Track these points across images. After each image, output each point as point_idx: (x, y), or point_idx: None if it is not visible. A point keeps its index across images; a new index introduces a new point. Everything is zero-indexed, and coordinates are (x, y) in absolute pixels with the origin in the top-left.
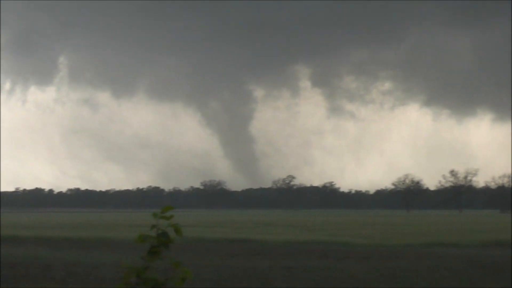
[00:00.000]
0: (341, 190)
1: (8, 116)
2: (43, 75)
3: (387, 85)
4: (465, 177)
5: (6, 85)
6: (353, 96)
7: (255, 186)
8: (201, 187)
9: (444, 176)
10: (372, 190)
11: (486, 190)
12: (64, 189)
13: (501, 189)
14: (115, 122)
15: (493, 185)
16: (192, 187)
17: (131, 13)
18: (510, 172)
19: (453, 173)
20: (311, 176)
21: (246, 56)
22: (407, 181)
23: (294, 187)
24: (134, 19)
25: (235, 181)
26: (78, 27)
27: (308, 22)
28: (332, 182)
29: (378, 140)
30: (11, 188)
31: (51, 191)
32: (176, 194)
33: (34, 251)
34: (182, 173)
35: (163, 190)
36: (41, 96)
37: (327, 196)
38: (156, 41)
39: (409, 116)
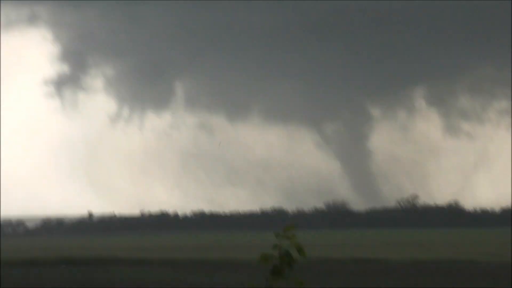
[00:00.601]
0: (466, 208)
1: (126, 142)
2: (159, 100)
3: (504, 104)
4: None
5: (124, 112)
6: (469, 116)
7: (379, 205)
8: (324, 207)
9: None
10: (497, 208)
11: None
12: (188, 212)
13: None
14: (232, 145)
15: None
16: (315, 207)
17: (245, 37)
18: None
19: None
20: (433, 194)
21: (361, 76)
22: None
23: (419, 206)
24: (249, 43)
25: (358, 201)
26: (195, 53)
27: (426, 42)
28: (457, 200)
29: (496, 159)
30: (136, 212)
31: (176, 214)
32: (299, 215)
33: (159, 274)
34: (305, 194)
35: (287, 211)
36: (157, 122)
37: (452, 215)
38: (272, 66)
39: None
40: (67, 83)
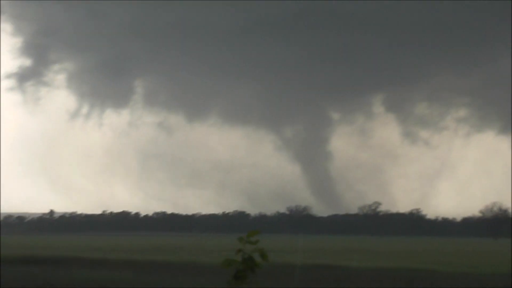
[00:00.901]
0: (428, 217)
1: (85, 138)
2: (119, 98)
3: (462, 112)
4: None
5: (84, 109)
6: (427, 123)
7: (341, 212)
8: (287, 212)
9: None
10: (458, 218)
11: None
12: (150, 213)
13: None
14: (192, 146)
15: None
16: (278, 212)
17: (206, 37)
18: None
19: None
20: (394, 202)
21: (321, 80)
22: (494, 208)
23: (380, 213)
24: (210, 43)
25: (321, 207)
26: (156, 52)
27: (386, 49)
28: (419, 208)
29: (455, 168)
30: (98, 211)
31: (137, 214)
32: (261, 219)
33: (120, 274)
34: (266, 197)
35: (249, 214)
36: (117, 120)
37: (414, 223)
38: (232, 66)
39: (484, 143)
40: (29, 77)
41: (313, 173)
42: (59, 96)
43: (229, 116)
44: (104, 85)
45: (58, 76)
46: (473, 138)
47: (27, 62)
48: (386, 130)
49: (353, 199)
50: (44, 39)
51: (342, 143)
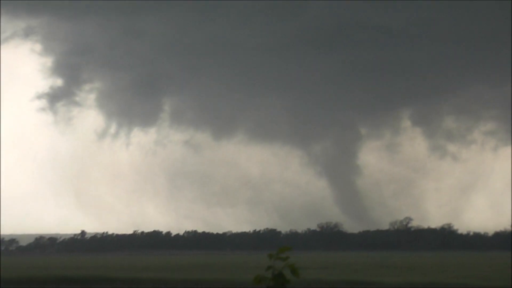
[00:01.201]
0: (459, 232)
1: (114, 159)
2: (146, 116)
3: (489, 126)
4: None
5: (112, 128)
6: (454, 136)
7: (372, 228)
8: (318, 229)
9: None
10: (490, 232)
11: None
12: (181, 232)
13: None
14: (220, 163)
15: None
16: (309, 229)
17: (234, 54)
18: None
19: None
20: (425, 217)
21: (348, 96)
22: None
23: (412, 228)
24: (238, 60)
25: (351, 223)
26: (185, 70)
27: (415, 63)
28: (450, 223)
29: (485, 182)
30: (129, 231)
31: (168, 233)
32: (292, 236)
33: None
34: (296, 214)
35: (280, 232)
36: (144, 139)
37: (446, 238)
38: (261, 82)
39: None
40: (60, 97)
41: (343, 189)
42: (90, 116)
43: (256, 132)
44: (133, 104)
45: (89, 95)
46: (500, 151)
47: (58, 82)
48: (414, 144)
49: (384, 215)
50: (76, 58)
51: (371, 158)
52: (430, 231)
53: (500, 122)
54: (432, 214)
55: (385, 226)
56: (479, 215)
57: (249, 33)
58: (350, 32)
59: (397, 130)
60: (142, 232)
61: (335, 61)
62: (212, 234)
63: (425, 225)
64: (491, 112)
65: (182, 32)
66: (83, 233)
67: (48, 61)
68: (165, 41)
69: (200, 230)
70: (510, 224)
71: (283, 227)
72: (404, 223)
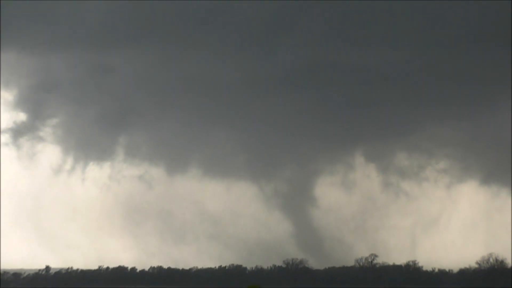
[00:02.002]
0: (424, 268)
1: (70, 194)
2: (101, 151)
3: (442, 164)
4: None
5: (68, 164)
6: (407, 174)
7: (338, 264)
8: (284, 265)
9: None
10: (455, 269)
11: None
12: (147, 267)
13: None
14: (176, 199)
15: None
16: (274, 265)
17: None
18: None
19: None
20: (388, 254)
21: (305, 134)
22: (491, 260)
23: (377, 265)
24: (190, 93)
25: (316, 260)
26: (140, 107)
27: (366, 102)
28: (415, 260)
29: (441, 219)
30: (94, 266)
31: (133, 269)
32: (258, 272)
33: None
34: (262, 251)
35: (245, 268)
36: (98, 173)
37: (411, 274)
38: (210, 116)
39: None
40: (24, 132)
41: (300, 225)
42: (53, 151)
43: (210, 168)
44: (90, 139)
45: (53, 130)
46: (454, 189)
47: (22, 116)
48: (368, 181)
49: (348, 252)
50: (41, 93)
51: (328, 195)
52: (395, 268)
53: (453, 160)
54: (394, 251)
55: (350, 262)
56: (442, 252)
57: (191, 69)
58: (303, 73)
59: (351, 167)
60: (108, 268)
61: (292, 100)
62: (178, 269)
63: (390, 261)
64: (444, 150)
65: (150, 69)
66: (47, 268)
67: (11, 95)
68: (135, 77)
69: (165, 266)
70: (474, 261)
71: (249, 263)
72: (370, 260)
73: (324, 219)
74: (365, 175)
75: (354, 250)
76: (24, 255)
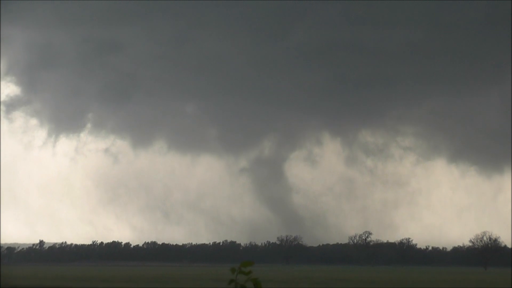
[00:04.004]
0: (418, 246)
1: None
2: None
3: (407, 141)
4: None
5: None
6: (371, 151)
7: (332, 241)
8: (278, 242)
9: None
10: (449, 247)
11: None
12: (141, 243)
13: None
14: (172, 175)
15: None
16: (268, 242)
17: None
18: None
19: None
20: (382, 232)
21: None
22: (484, 238)
23: (371, 243)
24: (159, 69)
25: (312, 237)
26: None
27: (333, 81)
28: (409, 238)
29: (417, 196)
30: (88, 242)
31: (127, 244)
32: (252, 249)
33: None
34: (257, 227)
35: (239, 244)
36: (68, 146)
37: (404, 253)
38: (176, 89)
39: (433, 172)
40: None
41: (281, 205)
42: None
43: (175, 143)
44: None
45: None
46: (425, 165)
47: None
48: (334, 158)
49: (342, 229)
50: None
51: (297, 171)
52: (389, 246)
53: (419, 138)
54: (388, 229)
55: (344, 240)
56: (435, 230)
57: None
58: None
59: (319, 142)
60: (102, 243)
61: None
62: (172, 245)
63: (384, 239)
64: (410, 128)
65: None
66: (41, 243)
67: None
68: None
69: (159, 241)
70: (468, 240)
71: (243, 240)
72: (363, 238)
73: (297, 197)
74: (332, 151)
75: (351, 228)
76: (19, 230)
